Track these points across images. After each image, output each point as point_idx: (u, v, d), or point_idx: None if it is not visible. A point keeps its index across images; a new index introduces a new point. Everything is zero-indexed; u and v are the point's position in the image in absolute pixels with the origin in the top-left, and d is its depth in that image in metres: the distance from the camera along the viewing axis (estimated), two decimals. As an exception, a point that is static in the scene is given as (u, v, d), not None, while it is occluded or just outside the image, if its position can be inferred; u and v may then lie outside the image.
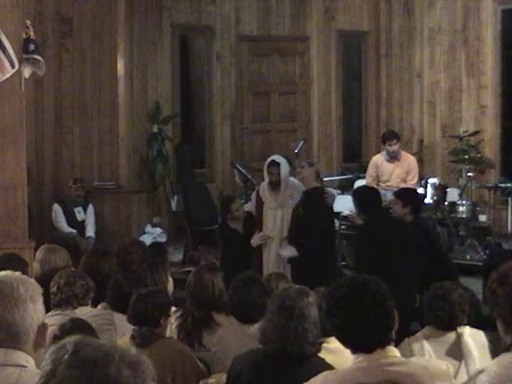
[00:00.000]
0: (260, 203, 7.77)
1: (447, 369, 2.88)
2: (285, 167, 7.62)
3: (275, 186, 7.62)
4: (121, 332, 4.71)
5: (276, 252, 7.63)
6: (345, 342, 2.87)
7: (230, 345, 4.39)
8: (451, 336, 4.16)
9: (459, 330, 4.16)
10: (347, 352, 2.88)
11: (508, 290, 2.58)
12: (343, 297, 2.82)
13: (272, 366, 3.62)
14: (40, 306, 2.48)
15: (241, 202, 8.29)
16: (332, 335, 4.06)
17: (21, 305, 2.41)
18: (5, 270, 2.63)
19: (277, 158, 7.73)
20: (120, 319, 4.78)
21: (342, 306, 2.81)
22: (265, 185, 7.74)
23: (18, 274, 2.54)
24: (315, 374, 3.00)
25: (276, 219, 7.66)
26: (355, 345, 2.82)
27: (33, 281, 2.52)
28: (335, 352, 3.68)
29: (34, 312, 2.43)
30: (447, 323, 4.20)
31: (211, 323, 4.88)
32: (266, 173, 7.67)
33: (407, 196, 7.41)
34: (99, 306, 5.06)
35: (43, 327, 2.49)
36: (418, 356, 3.99)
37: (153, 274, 5.27)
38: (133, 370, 1.62)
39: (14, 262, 5.36)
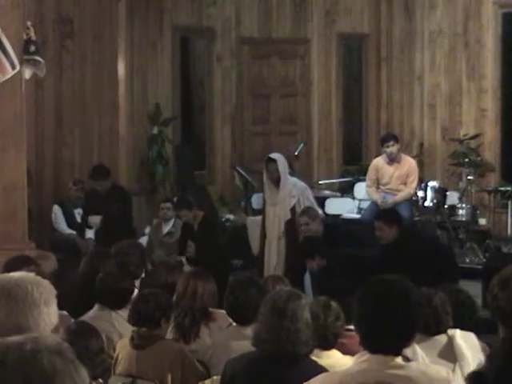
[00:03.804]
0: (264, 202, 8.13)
1: (447, 375, 2.88)
2: (282, 162, 7.87)
3: (276, 182, 7.78)
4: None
5: (276, 253, 7.76)
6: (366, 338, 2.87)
7: (228, 347, 4.38)
8: (441, 339, 4.17)
9: (450, 332, 4.16)
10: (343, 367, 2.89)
11: (510, 294, 2.58)
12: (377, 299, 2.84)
13: (265, 368, 3.61)
14: (53, 308, 2.43)
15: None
16: (331, 348, 4.10)
17: (35, 309, 2.36)
18: (18, 271, 2.59)
19: (272, 155, 8.00)
20: None
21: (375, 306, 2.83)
22: (264, 182, 7.98)
23: (32, 275, 2.49)
24: (308, 375, 3.00)
25: (274, 216, 7.81)
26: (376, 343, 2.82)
27: (47, 283, 2.47)
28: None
29: (48, 316, 2.39)
30: (434, 328, 4.21)
31: (209, 315, 4.88)
32: (265, 172, 7.91)
33: None
34: (95, 307, 5.04)
35: (56, 331, 2.46)
36: (417, 361, 3.99)
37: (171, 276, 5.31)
38: (61, 356, 1.60)
39: (27, 263, 5.31)
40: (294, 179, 8.12)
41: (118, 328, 4.83)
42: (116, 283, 5.01)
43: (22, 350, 1.60)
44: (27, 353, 1.59)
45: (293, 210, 7.87)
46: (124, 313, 4.91)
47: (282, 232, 7.85)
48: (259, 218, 8.35)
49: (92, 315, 4.91)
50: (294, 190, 7.82)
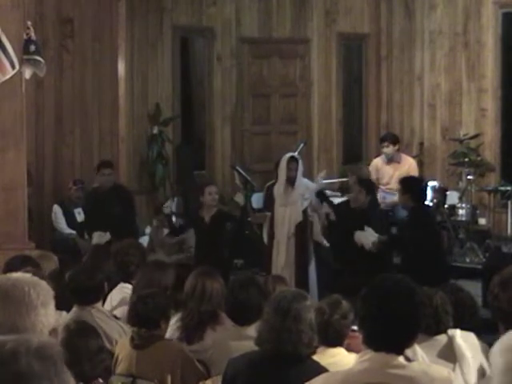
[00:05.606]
0: (271, 201, 8.02)
1: (448, 375, 2.89)
2: (301, 163, 7.97)
3: (292, 181, 7.80)
4: None
5: (285, 253, 7.77)
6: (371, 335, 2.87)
7: (228, 347, 4.38)
8: (441, 339, 4.17)
9: (450, 332, 4.17)
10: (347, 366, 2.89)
11: (510, 294, 2.58)
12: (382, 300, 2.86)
13: (267, 368, 3.61)
14: (51, 310, 2.42)
15: (216, 190, 8.39)
16: (335, 346, 4.09)
17: (32, 311, 2.35)
18: (17, 271, 2.59)
19: (295, 154, 8.12)
20: None
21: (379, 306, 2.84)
22: (282, 182, 7.94)
23: (29, 276, 2.49)
24: (309, 376, 3.00)
25: (285, 216, 7.82)
26: (381, 341, 2.83)
27: (44, 284, 2.46)
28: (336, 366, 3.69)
29: (45, 317, 2.38)
30: (435, 327, 4.21)
31: (217, 317, 4.85)
32: (285, 169, 7.90)
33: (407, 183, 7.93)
34: (74, 308, 5.01)
35: (53, 332, 2.46)
36: (418, 361, 3.99)
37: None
38: (42, 359, 1.58)
39: (26, 263, 5.31)
40: (306, 180, 8.15)
41: (101, 326, 4.80)
42: (89, 280, 4.96)
43: (1, 350, 1.58)
44: (6, 353, 1.57)
45: (305, 212, 7.90)
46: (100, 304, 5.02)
47: (291, 233, 7.85)
48: None
49: (74, 316, 4.87)
50: (307, 193, 7.87)
